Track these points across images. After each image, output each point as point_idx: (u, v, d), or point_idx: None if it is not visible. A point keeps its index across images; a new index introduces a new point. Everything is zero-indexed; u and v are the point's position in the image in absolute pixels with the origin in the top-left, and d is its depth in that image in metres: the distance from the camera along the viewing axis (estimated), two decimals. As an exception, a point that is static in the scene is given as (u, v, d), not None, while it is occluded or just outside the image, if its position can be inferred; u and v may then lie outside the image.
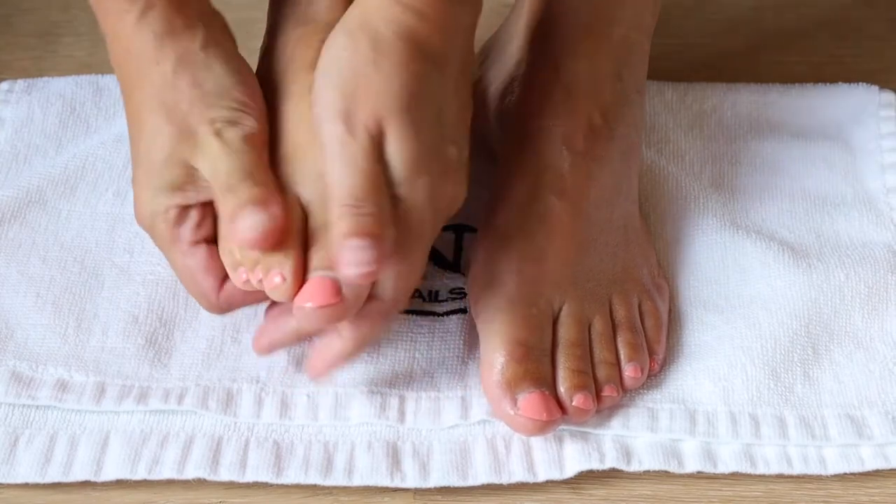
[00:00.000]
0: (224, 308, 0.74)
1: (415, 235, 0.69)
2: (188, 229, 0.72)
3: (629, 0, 0.77)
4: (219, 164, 0.70)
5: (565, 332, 0.74)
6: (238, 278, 0.71)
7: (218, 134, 0.70)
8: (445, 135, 0.69)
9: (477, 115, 0.80)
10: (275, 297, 0.69)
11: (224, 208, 0.70)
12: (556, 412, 0.71)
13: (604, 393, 0.73)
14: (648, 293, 0.78)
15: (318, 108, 0.68)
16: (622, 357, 0.74)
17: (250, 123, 0.71)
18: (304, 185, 0.71)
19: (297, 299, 0.68)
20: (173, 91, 0.70)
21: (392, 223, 0.67)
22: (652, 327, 0.76)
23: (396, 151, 0.67)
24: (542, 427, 0.70)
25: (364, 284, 0.68)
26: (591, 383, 0.73)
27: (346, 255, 0.66)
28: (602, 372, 0.74)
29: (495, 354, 0.72)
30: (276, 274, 0.69)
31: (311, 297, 0.68)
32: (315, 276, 0.68)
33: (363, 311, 0.70)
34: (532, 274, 0.73)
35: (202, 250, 0.72)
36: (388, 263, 0.67)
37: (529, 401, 0.71)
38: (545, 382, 0.72)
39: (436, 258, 0.82)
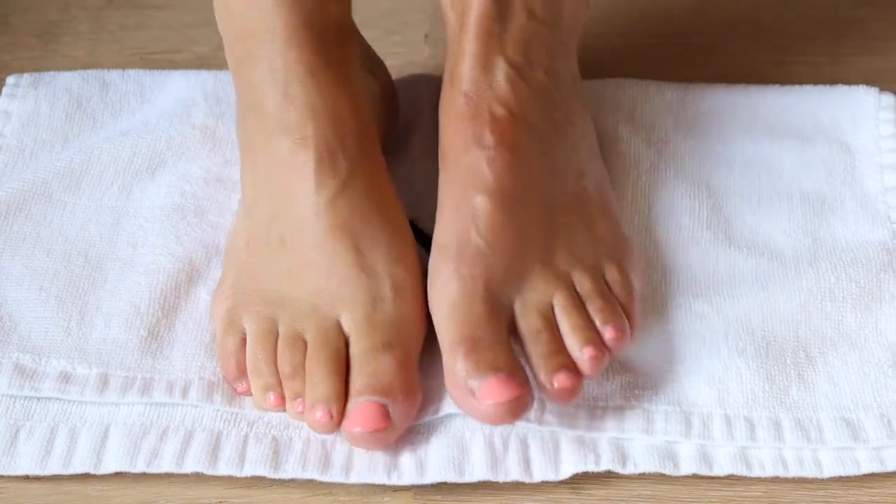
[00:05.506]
0: None
1: None
2: None
3: None
4: None
5: (526, 322, 0.74)
6: (265, 401, 0.74)
7: None
8: None
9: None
10: (315, 430, 0.72)
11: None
12: (516, 389, 0.70)
13: (586, 355, 0.72)
14: (615, 263, 0.77)
15: None
16: (598, 322, 0.74)
17: None
18: (347, 311, 0.74)
19: (346, 424, 0.71)
20: None
21: None
22: (622, 295, 0.76)
23: None
24: (509, 409, 0.70)
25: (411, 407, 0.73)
26: (568, 362, 0.73)
27: None
28: (578, 337, 0.73)
29: (449, 359, 0.72)
30: (320, 410, 0.72)
31: (362, 423, 0.71)
32: (363, 402, 0.71)
33: None
34: (470, 273, 0.74)
35: None
36: None
37: (485, 387, 0.70)
38: (501, 368, 0.71)
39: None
